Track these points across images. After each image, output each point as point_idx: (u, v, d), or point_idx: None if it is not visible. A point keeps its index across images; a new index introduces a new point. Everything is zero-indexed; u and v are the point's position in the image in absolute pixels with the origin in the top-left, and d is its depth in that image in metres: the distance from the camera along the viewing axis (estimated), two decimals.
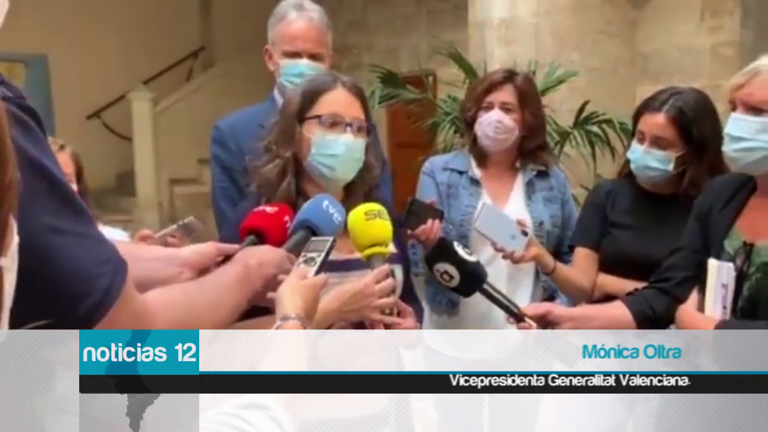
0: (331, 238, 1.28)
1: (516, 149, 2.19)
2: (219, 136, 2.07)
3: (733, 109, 1.52)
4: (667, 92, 1.93)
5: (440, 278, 1.57)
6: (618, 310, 1.68)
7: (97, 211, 2.55)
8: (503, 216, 1.97)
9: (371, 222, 1.36)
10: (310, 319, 1.10)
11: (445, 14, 7.09)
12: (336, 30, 2.19)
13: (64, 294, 0.72)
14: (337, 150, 1.52)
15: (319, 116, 1.52)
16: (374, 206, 1.40)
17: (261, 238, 1.31)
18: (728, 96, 1.54)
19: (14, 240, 0.57)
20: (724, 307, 1.51)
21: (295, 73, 2.02)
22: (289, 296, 1.10)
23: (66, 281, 0.72)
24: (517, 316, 1.58)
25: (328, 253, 1.24)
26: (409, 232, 1.96)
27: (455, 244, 1.58)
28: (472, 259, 1.55)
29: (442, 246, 1.59)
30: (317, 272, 1.19)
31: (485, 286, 1.56)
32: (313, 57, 2.04)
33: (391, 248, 1.55)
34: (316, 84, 1.56)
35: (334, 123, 1.52)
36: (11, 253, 0.57)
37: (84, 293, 0.75)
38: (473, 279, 1.56)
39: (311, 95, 1.54)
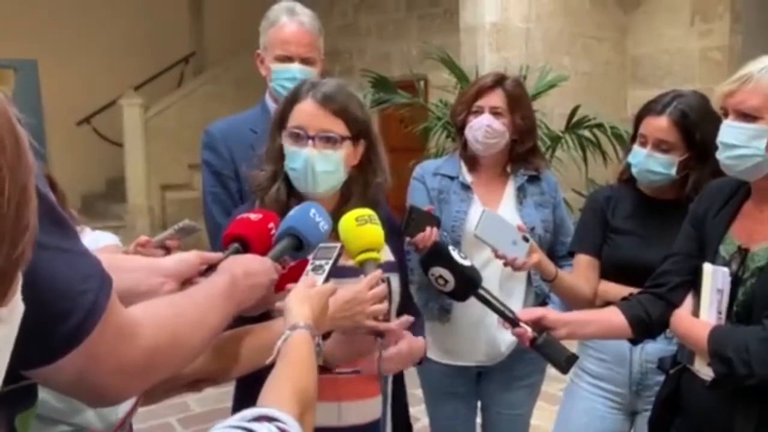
0: (338, 245, 1.27)
1: (506, 154, 2.18)
2: (210, 141, 2.05)
3: (725, 116, 1.51)
4: (669, 95, 1.89)
5: (435, 282, 1.55)
6: (613, 315, 1.68)
7: (87, 217, 2.54)
8: (504, 222, 1.93)
9: (362, 227, 1.35)
10: (318, 327, 1.10)
11: (436, 19, 7.10)
12: (327, 35, 2.18)
13: (48, 311, 0.69)
14: (296, 164, 1.51)
15: (291, 132, 1.53)
16: (365, 211, 1.39)
17: (245, 246, 1.28)
18: (719, 103, 1.53)
19: (17, 291, 0.55)
20: (719, 312, 1.50)
21: (287, 77, 2.01)
22: (297, 305, 1.10)
23: (51, 298, 0.68)
24: (512, 321, 1.57)
25: (336, 261, 1.24)
26: (407, 239, 1.95)
27: (450, 248, 1.56)
28: (467, 263, 1.54)
29: (437, 250, 1.57)
30: (326, 280, 1.19)
31: (480, 291, 1.55)
32: (305, 61, 2.04)
33: (389, 256, 1.54)
34: (291, 93, 1.57)
35: (297, 135, 1.51)
36: (13, 306, 0.55)
37: (69, 310, 0.73)
38: (468, 283, 1.54)
39: (289, 105, 1.55)
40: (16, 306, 0.56)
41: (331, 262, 1.23)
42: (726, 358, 1.41)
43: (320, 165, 1.50)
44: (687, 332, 1.56)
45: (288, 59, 2.03)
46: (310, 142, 1.50)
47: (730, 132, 1.48)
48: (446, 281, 1.53)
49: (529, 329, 1.56)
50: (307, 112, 1.51)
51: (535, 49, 5.47)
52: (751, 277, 1.48)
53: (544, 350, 1.56)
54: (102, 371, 0.79)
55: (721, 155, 1.52)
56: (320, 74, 2.07)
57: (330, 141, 1.51)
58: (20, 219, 0.52)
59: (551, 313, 1.64)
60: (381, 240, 1.37)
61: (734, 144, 1.47)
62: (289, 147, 1.52)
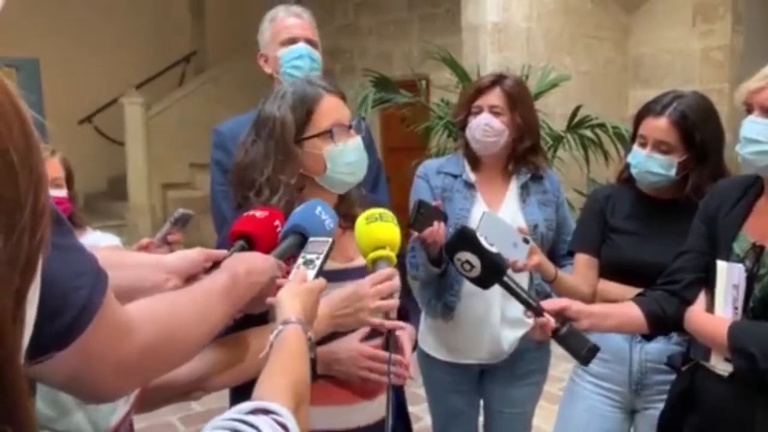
0: (330, 239, 1.25)
1: (508, 152, 2.18)
2: (219, 140, 2.08)
3: (749, 111, 1.52)
4: (669, 96, 1.89)
5: (460, 268, 1.54)
6: (632, 309, 1.68)
7: (89, 216, 2.54)
8: (504, 224, 1.93)
9: (370, 225, 1.32)
10: (309, 323, 1.09)
11: (437, 19, 7.10)
12: (328, 34, 2.22)
13: (42, 308, 0.66)
14: (353, 156, 1.50)
15: (328, 132, 1.47)
16: (376, 210, 1.36)
17: (250, 244, 1.27)
18: (743, 98, 1.54)
19: (39, 271, 0.54)
20: (736, 308, 1.51)
21: (296, 56, 2.08)
22: (289, 300, 1.09)
23: (42, 295, 0.65)
24: (535, 310, 1.56)
25: (327, 255, 1.22)
26: (415, 234, 1.95)
27: (477, 233, 1.55)
28: (494, 249, 1.53)
29: (465, 235, 1.55)
30: (317, 275, 1.17)
31: (505, 278, 1.54)
32: (310, 43, 2.12)
33: None
34: (303, 99, 1.47)
35: (336, 132, 1.48)
36: (35, 285, 0.54)
37: (61, 308, 0.72)
38: (495, 269, 1.53)
39: (304, 112, 1.47)
40: (37, 286, 0.56)
41: (322, 256, 1.21)
42: (748, 353, 1.42)
43: (363, 148, 1.54)
44: (702, 328, 1.57)
45: (294, 41, 2.11)
46: (351, 131, 1.51)
47: (754, 128, 1.50)
48: (472, 266, 1.52)
49: (552, 319, 1.55)
50: (337, 106, 1.50)
51: (537, 48, 5.47)
52: None
53: (565, 341, 1.54)
54: (97, 369, 0.79)
55: (742, 150, 1.53)
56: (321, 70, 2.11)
57: (352, 128, 1.53)
58: (37, 204, 0.52)
59: (575, 304, 1.63)
60: (392, 237, 1.32)
61: (757, 139, 1.49)
62: (334, 148, 1.47)
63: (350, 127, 1.51)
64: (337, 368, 1.44)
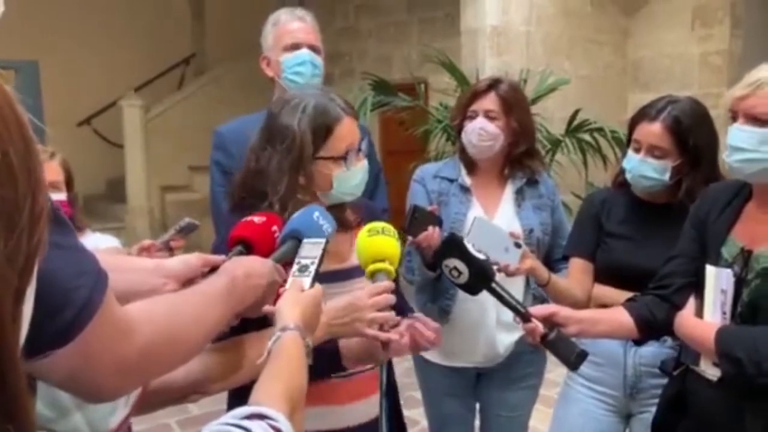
0: (323, 240, 1.25)
1: (504, 157, 2.19)
2: (220, 141, 2.08)
3: (734, 119, 1.52)
4: (663, 101, 1.90)
5: (449, 274, 1.57)
6: (621, 315, 1.69)
7: (87, 218, 2.54)
8: (496, 229, 1.94)
9: (372, 238, 1.34)
10: (309, 330, 1.10)
11: (436, 22, 7.11)
12: (328, 37, 2.21)
13: (40, 307, 0.66)
14: (357, 179, 1.53)
15: (342, 157, 1.48)
16: (379, 224, 1.38)
17: (248, 248, 1.28)
18: (728, 106, 1.54)
19: (35, 272, 0.55)
20: (724, 313, 1.52)
21: (298, 62, 2.07)
22: (288, 308, 1.10)
23: (42, 293, 0.65)
24: (523, 316, 1.57)
25: (321, 260, 1.22)
26: (410, 239, 1.96)
27: (465, 240, 1.57)
28: (481, 256, 1.55)
29: (452, 242, 1.58)
30: (313, 281, 1.18)
31: (493, 285, 1.56)
32: (312, 48, 2.11)
33: None
34: (325, 116, 1.48)
35: (350, 155, 1.50)
36: (32, 285, 0.55)
37: (61, 306, 0.73)
38: (482, 275, 1.55)
39: (323, 129, 1.47)
40: (34, 286, 0.57)
41: (317, 261, 1.21)
42: (735, 358, 1.42)
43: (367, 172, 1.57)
44: (692, 333, 1.57)
45: (297, 47, 2.09)
46: (360, 155, 1.53)
47: (739, 135, 1.49)
48: (460, 273, 1.54)
49: (540, 325, 1.56)
50: (352, 130, 1.51)
51: (536, 52, 5.48)
52: (756, 278, 1.49)
53: (554, 346, 1.56)
54: (96, 368, 0.79)
55: (729, 158, 1.52)
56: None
57: (360, 151, 1.54)
58: (35, 207, 0.53)
59: (563, 310, 1.64)
60: (393, 251, 1.35)
61: (743, 147, 1.49)
62: (344, 171, 1.49)
63: (359, 150, 1.53)
64: (339, 329, 1.37)
